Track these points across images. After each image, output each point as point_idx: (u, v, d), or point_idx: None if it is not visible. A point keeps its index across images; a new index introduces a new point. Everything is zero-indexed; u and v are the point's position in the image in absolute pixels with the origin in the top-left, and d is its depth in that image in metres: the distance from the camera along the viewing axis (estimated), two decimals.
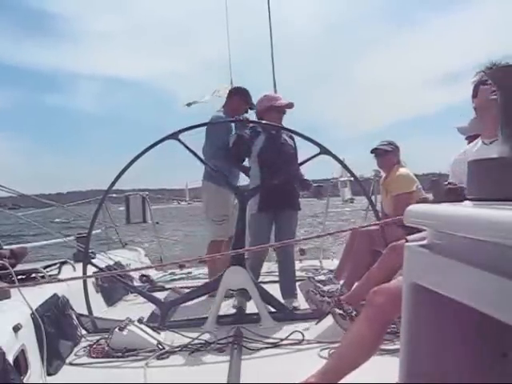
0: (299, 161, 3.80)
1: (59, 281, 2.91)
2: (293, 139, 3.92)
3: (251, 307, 3.38)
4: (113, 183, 3.50)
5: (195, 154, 3.46)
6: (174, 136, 3.39)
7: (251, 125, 3.77)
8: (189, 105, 6.04)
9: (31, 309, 2.54)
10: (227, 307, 3.55)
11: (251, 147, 3.69)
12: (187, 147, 3.41)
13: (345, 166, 3.76)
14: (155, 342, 2.76)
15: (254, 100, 4.04)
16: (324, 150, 3.45)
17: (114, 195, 5.79)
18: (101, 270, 3.71)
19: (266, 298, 3.32)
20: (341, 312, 2.90)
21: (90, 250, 3.78)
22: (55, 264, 3.59)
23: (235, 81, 5.98)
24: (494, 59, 1.91)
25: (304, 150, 3.92)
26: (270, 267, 4.80)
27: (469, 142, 3.24)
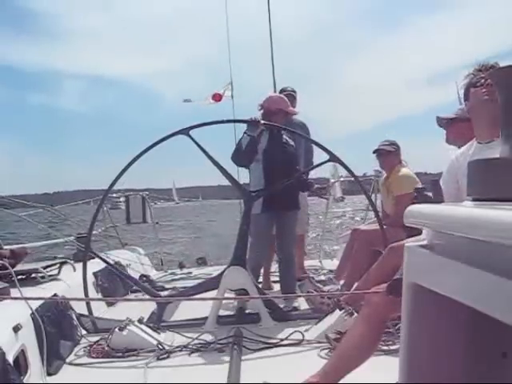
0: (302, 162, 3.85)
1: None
2: (293, 139, 3.92)
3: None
4: (114, 181, 3.49)
5: (204, 151, 3.43)
6: (185, 132, 3.38)
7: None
8: (186, 101, 6.15)
9: (31, 309, 2.54)
10: (227, 307, 3.55)
11: (257, 148, 3.69)
12: (197, 144, 3.41)
13: (349, 171, 3.76)
14: (155, 342, 2.76)
15: (257, 99, 4.04)
16: (333, 158, 3.47)
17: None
18: (107, 262, 3.72)
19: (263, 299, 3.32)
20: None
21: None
22: (55, 264, 3.59)
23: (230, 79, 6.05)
24: (480, 60, 1.92)
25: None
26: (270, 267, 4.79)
27: (450, 136, 2.95)
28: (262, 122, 3.62)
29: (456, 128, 2.53)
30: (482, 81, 1.91)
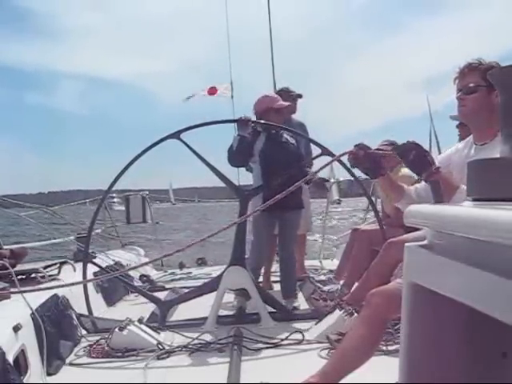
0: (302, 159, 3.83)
1: (62, 286, 2.91)
2: (295, 138, 3.91)
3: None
4: (113, 183, 3.49)
5: (196, 154, 3.43)
6: (176, 135, 3.38)
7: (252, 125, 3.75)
8: (188, 98, 6.19)
9: (31, 309, 2.55)
10: (227, 307, 3.55)
11: (252, 148, 3.68)
12: (189, 147, 3.40)
13: (345, 167, 3.74)
14: (155, 342, 2.76)
15: (254, 100, 4.03)
16: (326, 152, 3.45)
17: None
18: (102, 268, 3.72)
19: (265, 298, 3.32)
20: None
21: (90, 250, 3.78)
22: (55, 264, 3.60)
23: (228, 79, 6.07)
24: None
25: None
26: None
27: (460, 132, 3.36)
28: (253, 120, 3.60)
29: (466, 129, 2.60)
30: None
